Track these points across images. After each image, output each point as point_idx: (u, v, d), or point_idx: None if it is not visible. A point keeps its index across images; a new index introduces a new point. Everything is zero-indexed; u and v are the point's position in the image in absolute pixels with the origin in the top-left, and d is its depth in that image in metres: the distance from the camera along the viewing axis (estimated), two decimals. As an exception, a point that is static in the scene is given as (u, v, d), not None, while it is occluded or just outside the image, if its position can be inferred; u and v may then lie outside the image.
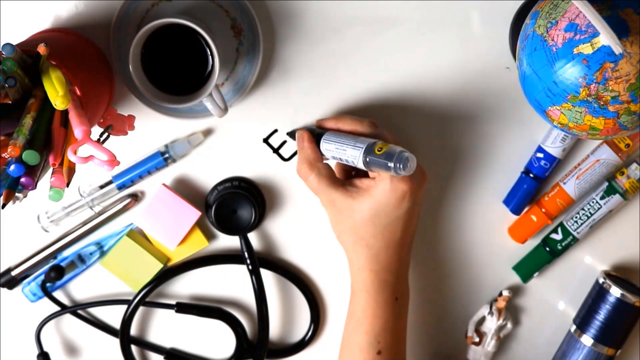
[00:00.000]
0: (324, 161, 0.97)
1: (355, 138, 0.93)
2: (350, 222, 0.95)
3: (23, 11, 0.97)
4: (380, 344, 0.96)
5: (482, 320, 1.06)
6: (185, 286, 1.06)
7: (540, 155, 1.01)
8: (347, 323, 0.98)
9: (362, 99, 1.01)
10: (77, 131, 0.82)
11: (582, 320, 1.02)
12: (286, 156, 1.03)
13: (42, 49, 0.82)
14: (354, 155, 0.92)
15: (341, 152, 0.93)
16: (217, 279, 1.05)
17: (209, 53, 0.93)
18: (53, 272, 1.01)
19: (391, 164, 0.88)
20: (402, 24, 0.99)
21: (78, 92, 0.87)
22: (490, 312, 1.05)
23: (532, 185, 1.02)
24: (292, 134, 1.01)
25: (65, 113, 0.85)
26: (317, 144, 0.96)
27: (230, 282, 1.05)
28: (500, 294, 1.05)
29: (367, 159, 0.90)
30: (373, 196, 0.94)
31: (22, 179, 0.82)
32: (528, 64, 0.86)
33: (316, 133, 0.97)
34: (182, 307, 1.04)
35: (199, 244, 1.04)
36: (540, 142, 1.01)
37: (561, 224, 1.03)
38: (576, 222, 1.02)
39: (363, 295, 0.96)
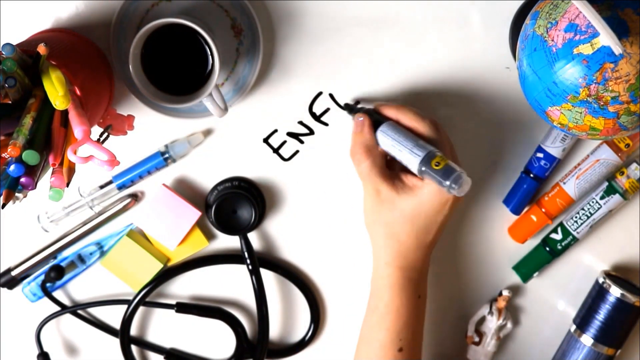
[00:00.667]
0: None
1: (414, 141, 0.93)
2: (388, 216, 0.95)
3: (23, 11, 0.97)
4: (402, 341, 0.96)
5: (482, 320, 1.06)
6: (185, 286, 1.06)
7: (540, 155, 1.01)
8: (368, 319, 0.98)
9: (361, 98, 1.01)
10: (77, 131, 0.82)
11: (582, 320, 1.02)
12: (286, 156, 1.03)
13: (42, 48, 0.82)
14: (410, 160, 0.92)
15: (397, 151, 0.93)
16: (217, 279, 1.05)
17: (209, 53, 0.93)
18: (53, 272, 1.01)
19: (446, 183, 0.89)
20: (402, 24, 0.99)
21: (78, 92, 0.87)
22: (490, 312, 1.05)
23: (532, 185, 1.02)
24: (348, 108, 1.00)
25: (65, 113, 0.85)
26: (374, 129, 0.96)
27: (230, 282, 1.05)
28: (500, 294, 1.05)
29: (423, 169, 0.90)
30: (418, 197, 0.94)
31: (22, 179, 0.82)
32: (528, 64, 0.86)
33: (374, 119, 0.96)
34: (182, 307, 1.04)
35: (199, 244, 1.04)
36: (540, 142, 1.01)
37: (561, 224, 1.03)
38: (576, 222, 1.02)
39: (387, 291, 0.96)
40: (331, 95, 1.01)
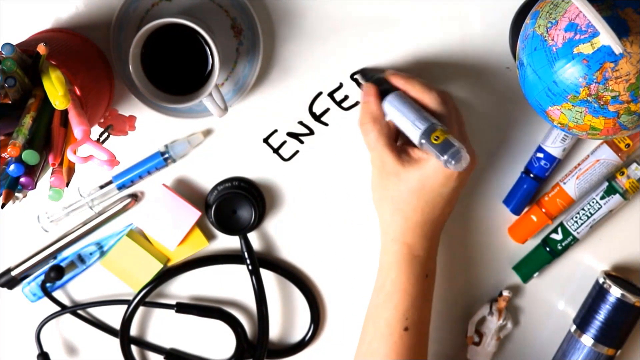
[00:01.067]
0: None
1: (417, 113, 0.92)
2: (394, 190, 0.94)
3: (23, 11, 0.97)
4: (408, 320, 0.96)
5: (482, 320, 1.06)
6: (185, 286, 1.06)
7: (541, 155, 1.01)
8: (375, 296, 0.97)
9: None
10: (77, 131, 0.82)
11: (582, 320, 1.02)
12: (286, 156, 1.03)
13: (41, 48, 0.82)
14: (411, 132, 0.91)
15: (400, 122, 0.93)
16: (217, 279, 1.05)
17: (209, 53, 0.93)
18: (53, 272, 1.01)
19: (443, 157, 0.88)
20: (402, 24, 0.99)
21: (78, 92, 0.87)
22: (490, 312, 1.05)
23: (532, 185, 1.02)
24: (364, 75, 0.99)
25: (65, 113, 0.85)
26: (382, 98, 0.95)
27: (230, 282, 1.05)
28: (500, 294, 1.05)
29: (422, 142, 0.90)
30: (423, 169, 0.93)
31: (22, 179, 0.82)
32: (528, 63, 0.86)
33: (381, 89, 0.96)
34: (182, 307, 1.04)
35: (199, 244, 1.04)
36: (540, 142, 1.01)
37: (561, 224, 1.03)
38: (576, 222, 1.02)
39: (394, 269, 0.95)
40: (331, 95, 1.01)
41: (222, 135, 1.02)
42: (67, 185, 0.85)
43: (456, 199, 0.96)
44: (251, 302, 1.06)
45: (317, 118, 1.02)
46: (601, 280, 1.02)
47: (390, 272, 0.96)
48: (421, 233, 0.95)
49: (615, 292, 1.00)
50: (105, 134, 0.92)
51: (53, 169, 0.85)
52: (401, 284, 0.95)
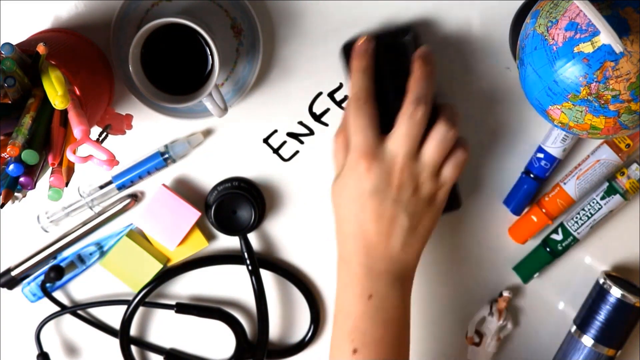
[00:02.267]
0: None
1: None
2: (340, 197, 0.93)
3: (23, 11, 0.97)
4: (354, 342, 0.92)
5: (483, 320, 1.06)
6: (185, 286, 1.06)
7: (541, 155, 1.01)
8: (335, 319, 0.96)
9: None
10: (77, 131, 0.82)
11: (583, 321, 1.02)
12: (286, 156, 1.03)
13: (41, 48, 0.82)
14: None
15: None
16: (217, 279, 1.05)
17: (209, 53, 0.93)
18: (53, 272, 1.01)
19: None
20: (401, 23, 0.99)
21: (77, 92, 0.87)
22: (491, 313, 1.05)
23: (533, 186, 1.02)
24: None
25: (64, 113, 0.85)
26: None
27: (230, 283, 1.05)
28: (501, 295, 1.05)
29: None
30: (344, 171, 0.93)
31: (21, 179, 0.82)
32: (528, 63, 0.86)
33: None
34: (182, 308, 1.04)
35: (198, 245, 1.04)
36: (540, 142, 1.01)
37: (561, 225, 1.03)
38: (576, 222, 1.02)
39: (337, 287, 0.94)
40: (331, 95, 1.01)
41: (222, 135, 1.02)
42: (67, 185, 0.85)
43: (430, 226, 0.94)
44: (251, 302, 1.06)
45: (317, 118, 1.02)
46: (601, 281, 1.02)
47: (337, 291, 0.95)
48: (356, 248, 0.92)
49: (616, 292, 1.00)
50: (104, 134, 0.92)
51: (52, 168, 0.85)
52: (340, 304, 0.94)
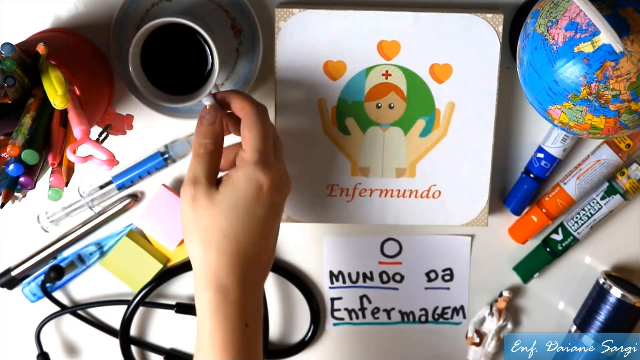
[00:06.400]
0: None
1: None
2: (205, 219, 0.85)
3: (23, 11, 0.97)
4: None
5: (483, 320, 1.06)
6: (185, 286, 1.06)
7: (541, 155, 1.01)
8: (196, 355, 0.86)
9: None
10: (77, 131, 0.82)
11: (583, 321, 1.02)
12: (286, 156, 1.03)
13: (41, 48, 0.82)
14: None
15: None
16: (217, 280, 1.05)
17: (209, 53, 0.93)
18: (53, 272, 1.01)
19: None
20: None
21: (77, 92, 0.87)
22: (491, 313, 1.05)
23: (533, 186, 1.02)
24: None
25: (64, 113, 0.85)
26: None
27: (230, 283, 1.05)
28: (501, 295, 1.05)
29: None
30: (234, 183, 0.85)
31: (21, 179, 0.82)
32: (528, 63, 0.86)
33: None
34: (182, 308, 1.04)
35: (198, 244, 1.04)
36: (540, 142, 1.01)
37: (561, 225, 1.03)
38: (576, 222, 1.02)
39: (208, 320, 0.84)
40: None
41: (222, 135, 1.02)
42: (67, 185, 0.85)
43: (272, 230, 0.88)
44: (251, 303, 1.06)
45: (317, 118, 1.02)
46: (601, 281, 1.02)
47: (205, 325, 0.84)
48: (236, 271, 0.84)
49: (616, 292, 1.00)
50: (104, 134, 0.92)
51: (52, 168, 0.85)
52: (217, 339, 0.84)
